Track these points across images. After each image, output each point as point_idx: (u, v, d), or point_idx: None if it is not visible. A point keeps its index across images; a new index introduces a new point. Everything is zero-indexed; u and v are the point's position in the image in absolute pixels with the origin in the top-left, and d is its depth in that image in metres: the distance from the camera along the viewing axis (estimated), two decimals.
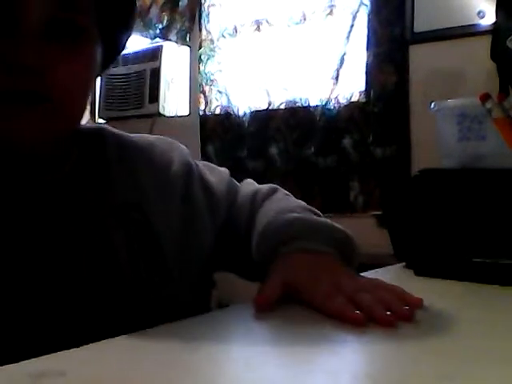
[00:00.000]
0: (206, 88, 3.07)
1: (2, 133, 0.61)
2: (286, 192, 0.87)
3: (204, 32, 3.09)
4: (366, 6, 2.60)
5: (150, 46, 3.21)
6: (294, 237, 0.69)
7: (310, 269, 0.64)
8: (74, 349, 0.44)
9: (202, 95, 3.08)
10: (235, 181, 0.89)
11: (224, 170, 0.88)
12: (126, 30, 0.74)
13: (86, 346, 0.45)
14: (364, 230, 2.55)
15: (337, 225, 0.74)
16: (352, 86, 2.65)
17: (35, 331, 0.61)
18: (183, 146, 0.83)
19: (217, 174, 0.85)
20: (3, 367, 0.40)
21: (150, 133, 2.74)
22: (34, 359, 0.41)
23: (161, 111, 3.13)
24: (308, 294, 0.60)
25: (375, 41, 2.56)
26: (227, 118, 2.99)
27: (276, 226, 0.72)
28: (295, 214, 0.75)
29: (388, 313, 0.53)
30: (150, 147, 0.79)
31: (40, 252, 0.64)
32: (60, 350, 0.44)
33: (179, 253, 0.73)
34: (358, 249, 0.74)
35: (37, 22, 0.60)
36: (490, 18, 2.25)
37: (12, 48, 0.59)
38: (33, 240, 0.64)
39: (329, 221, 0.75)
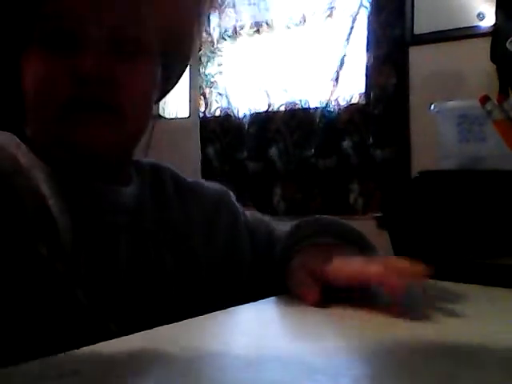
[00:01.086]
0: (206, 90, 3.07)
1: (74, 139, 0.64)
2: None
3: (204, 34, 3.09)
4: (366, 7, 2.60)
5: None
6: (305, 235, 0.73)
7: (325, 256, 0.66)
8: (88, 347, 0.44)
9: (202, 97, 3.09)
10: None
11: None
12: (182, 65, 0.78)
13: (85, 348, 0.45)
14: (364, 232, 2.56)
15: (350, 225, 0.77)
16: (352, 88, 2.66)
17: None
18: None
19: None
20: (3, 368, 0.40)
21: (151, 134, 2.74)
22: (47, 358, 0.42)
23: (161, 113, 3.13)
24: (335, 272, 0.63)
25: (375, 42, 2.56)
26: (227, 120, 2.99)
27: (288, 231, 0.77)
28: (306, 219, 0.79)
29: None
30: (201, 185, 0.84)
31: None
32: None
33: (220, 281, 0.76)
34: (373, 246, 0.77)
35: (101, 40, 0.64)
36: (489, 20, 2.26)
37: (82, 60, 0.63)
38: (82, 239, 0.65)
39: (342, 221, 0.78)
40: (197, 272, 0.74)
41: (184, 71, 0.80)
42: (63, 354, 0.42)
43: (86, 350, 0.44)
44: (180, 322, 0.52)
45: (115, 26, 0.65)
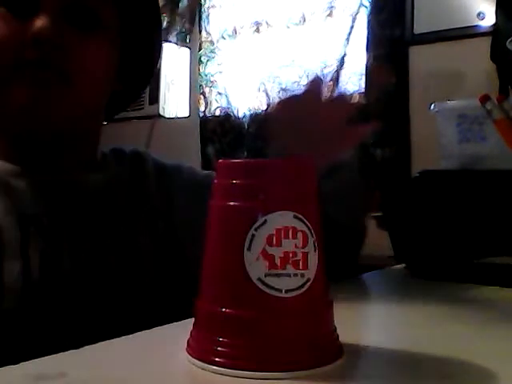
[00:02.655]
0: (206, 89, 3.07)
1: (18, 99, 0.65)
2: None
3: (204, 33, 3.09)
4: (366, 7, 2.60)
5: None
6: None
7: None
8: (74, 350, 0.44)
9: (201, 97, 3.08)
10: None
11: None
12: (148, 58, 0.80)
13: (86, 347, 0.45)
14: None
15: None
16: (352, 88, 2.65)
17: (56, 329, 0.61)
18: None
19: None
20: (3, 368, 0.40)
21: (151, 134, 2.74)
22: (34, 360, 0.41)
23: (161, 113, 3.12)
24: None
25: (375, 42, 2.56)
26: (227, 120, 2.99)
27: None
28: None
29: None
30: (179, 167, 0.84)
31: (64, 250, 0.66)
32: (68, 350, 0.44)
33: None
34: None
35: (58, 5, 0.66)
36: (489, 20, 2.25)
37: (36, 24, 0.64)
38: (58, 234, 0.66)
39: None
40: (178, 252, 0.74)
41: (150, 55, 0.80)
42: (49, 356, 0.42)
43: (72, 352, 0.44)
44: (168, 325, 0.52)
45: None
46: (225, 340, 0.40)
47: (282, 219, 0.40)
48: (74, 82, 0.67)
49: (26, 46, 0.64)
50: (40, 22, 0.64)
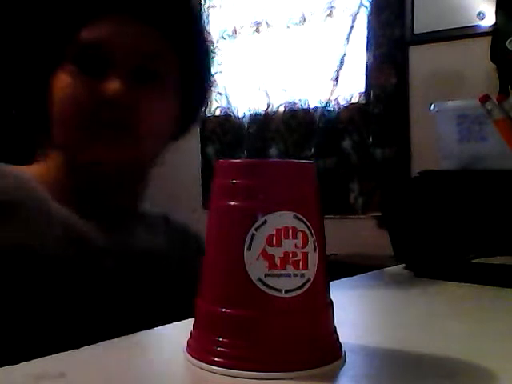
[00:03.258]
0: None
1: (96, 156, 0.70)
2: None
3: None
4: (366, 7, 2.60)
5: None
6: None
7: None
8: (74, 350, 0.44)
9: None
10: None
11: None
12: (201, 102, 0.89)
13: (86, 347, 0.45)
14: (364, 232, 2.56)
15: None
16: (352, 88, 2.66)
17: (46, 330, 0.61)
18: None
19: None
20: (3, 368, 0.40)
21: None
22: (34, 360, 0.41)
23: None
24: None
25: (375, 42, 2.56)
26: (227, 120, 2.99)
27: None
28: None
29: None
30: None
31: None
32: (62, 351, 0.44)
33: None
34: None
35: (124, 67, 0.71)
36: (489, 20, 2.25)
37: (107, 83, 0.69)
38: None
39: None
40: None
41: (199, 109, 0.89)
42: (49, 356, 0.42)
43: (72, 352, 0.44)
44: (168, 325, 0.52)
45: (141, 58, 0.72)
46: (225, 340, 0.40)
47: (282, 219, 0.40)
48: (143, 138, 0.72)
49: (101, 107, 0.69)
50: (113, 84, 0.69)
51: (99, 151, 0.70)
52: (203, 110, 0.91)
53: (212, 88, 0.89)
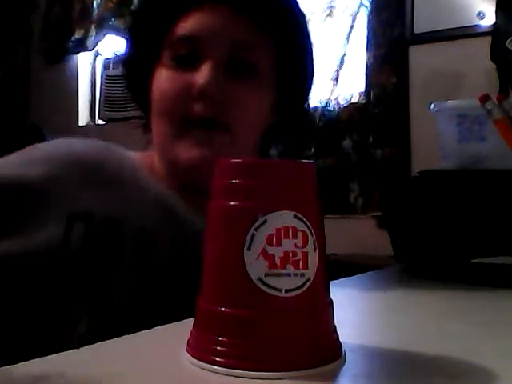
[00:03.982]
0: None
1: (183, 154, 0.71)
2: None
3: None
4: (366, 7, 2.60)
5: None
6: None
7: None
8: (74, 350, 0.44)
9: None
10: None
11: None
12: (302, 92, 0.84)
13: (86, 347, 0.45)
14: (364, 232, 2.56)
15: None
16: (352, 87, 2.66)
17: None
18: None
19: None
20: (3, 368, 0.40)
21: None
22: (34, 360, 0.41)
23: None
24: None
25: (375, 42, 2.56)
26: None
27: None
28: None
29: None
30: None
31: None
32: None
33: None
34: None
35: (218, 59, 0.71)
36: (489, 19, 2.25)
37: (200, 78, 0.69)
38: None
39: None
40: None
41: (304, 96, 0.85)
42: (49, 356, 0.42)
43: (72, 352, 0.44)
44: (168, 325, 0.52)
45: (233, 48, 0.71)
46: (225, 340, 0.40)
47: (282, 219, 0.40)
48: (236, 135, 0.72)
49: (192, 101, 0.70)
50: (204, 76, 0.69)
51: (193, 150, 0.70)
52: (307, 100, 0.88)
53: (313, 79, 0.85)
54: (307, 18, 0.82)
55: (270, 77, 0.76)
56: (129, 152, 0.80)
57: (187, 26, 0.72)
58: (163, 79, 0.73)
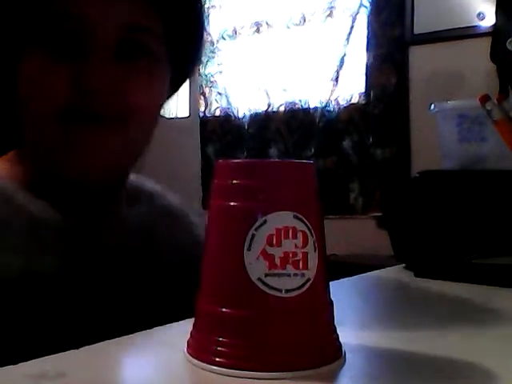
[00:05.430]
0: (206, 90, 3.07)
1: (75, 154, 0.61)
2: None
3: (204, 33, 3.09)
4: (366, 7, 2.60)
5: None
6: None
7: None
8: (74, 350, 0.44)
9: (201, 97, 3.09)
10: None
11: None
12: (193, 60, 0.75)
13: (86, 347, 0.45)
14: (364, 232, 2.56)
15: None
16: (352, 88, 2.66)
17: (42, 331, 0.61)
18: None
19: None
20: (3, 368, 0.40)
21: None
22: (34, 360, 0.41)
23: (161, 113, 3.12)
24: None
25: (375, 42, 2.56)
26: (227, 120, 2.99)
27: None
28: None
29: None
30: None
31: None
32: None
33: None
34: None
35: (107, 45, 0.60)
36: (489, 20, 2.26)
37: (84, 72, 0.58)
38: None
39: None
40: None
41: (193, 68, 0.76)
42: (49, 356, 0.42)
43: (72, 352, 0.44)
44: (168, 325, 0.52)
45: (123, 29, 0.60)
46: (225, 340, 0.40)
47: (282, 219, 0.40)
48: (135, 126, 0.63)
49: (74, 95, 0.59)
50: (90, 70, 0.58)
51: (84, 156, 0.60)
52: (195, 68, 0.77)
53: (204, 45, 0.75)
54: None
55: (162, 54, 0.66)
56: None
57: (69, 2, 0.59)
58: (36, 68, 0.59)
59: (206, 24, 0.75)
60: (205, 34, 0.74)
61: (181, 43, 0.69)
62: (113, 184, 0.68)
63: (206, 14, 3.06)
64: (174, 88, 0.73)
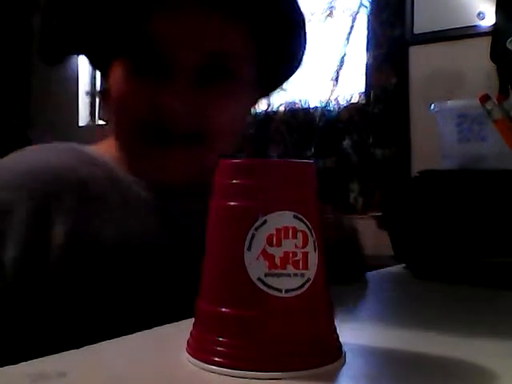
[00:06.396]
0: None
1: (157, 170, 0.65)
2: None
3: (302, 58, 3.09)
4: (366, 7, 2.60)
5: None
6: None
7: None
8: (74, 350, 0.44)
9: None
10: None
11: None
12: (287, 78, 0.79)
13: (86, 347, 0.45)
14: (364, 232, 2.55)
15: None
16: (352, 88, 2.66)
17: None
18: None
19: None
20: (3, 368, 0.40)
21: None
22: (34, 360, 0.41)
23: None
24: None
25: (375, 42, 2.56)
26: None
27: None
28: None
29: None
30: None
31: None
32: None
33: None
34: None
35: (187, 71, 0.62)
36: (489, 20, 2.25)
37: (166, 93, 0.61)
38: None
39: None
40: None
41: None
42: (49, 356, 0.42)
43: (72, 352, 0.44)
44: (168, 325, 0.52)
45: (205, 56, 0.63)
46: (225, 340, 0.40)
47: (282, 219, 0.40)
48: (214, 145, 0.66)
49: (153, 114, 0.62)
50: (170, 93, 0.61)
51: (158, 172, 0.65)
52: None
53: (299, 65, 0.77)
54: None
55: (250, 77, 0.68)
56: (89, 148, 0.73)
57: (153, 27, 0.62)
58: (122, 80, 0.64)
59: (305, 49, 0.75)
60: (303, 56, 0.76)
61: (275, 66, 0.72)
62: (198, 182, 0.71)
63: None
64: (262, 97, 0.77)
